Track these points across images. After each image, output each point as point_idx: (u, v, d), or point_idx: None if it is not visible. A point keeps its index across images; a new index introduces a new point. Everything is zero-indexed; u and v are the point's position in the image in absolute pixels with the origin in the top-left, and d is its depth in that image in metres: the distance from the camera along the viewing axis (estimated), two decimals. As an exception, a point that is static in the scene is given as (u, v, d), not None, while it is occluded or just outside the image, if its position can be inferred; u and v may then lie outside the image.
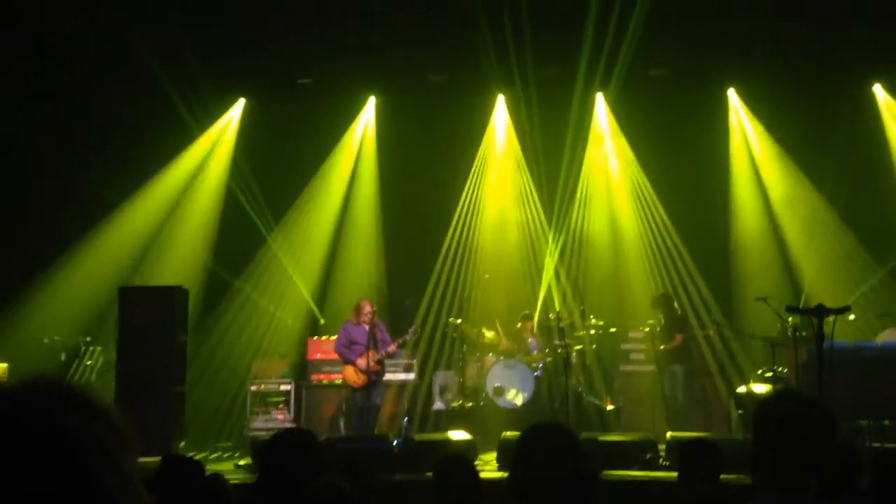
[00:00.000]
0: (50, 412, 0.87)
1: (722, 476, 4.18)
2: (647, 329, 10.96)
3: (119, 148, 11.50)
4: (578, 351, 11.01)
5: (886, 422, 8.82)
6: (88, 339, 10.68)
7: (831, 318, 4.30)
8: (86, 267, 11.28)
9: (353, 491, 3.50)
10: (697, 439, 4.41)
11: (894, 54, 10.91)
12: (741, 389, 10.01)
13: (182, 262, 11.82)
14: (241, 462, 9.50)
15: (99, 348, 10.69)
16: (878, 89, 12.03)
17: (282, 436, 3.40)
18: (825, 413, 2.41)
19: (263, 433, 9.97)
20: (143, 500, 0.90)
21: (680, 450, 4.31)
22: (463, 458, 4.14)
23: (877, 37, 10.50)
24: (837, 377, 7.49)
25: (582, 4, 10.66)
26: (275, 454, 3.23)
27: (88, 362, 10.59)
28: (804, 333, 8.49)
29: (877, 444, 8.14)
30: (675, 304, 10.90)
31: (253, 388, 10.76)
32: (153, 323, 9.01)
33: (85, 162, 11.20)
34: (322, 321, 11.94)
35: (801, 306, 8.51)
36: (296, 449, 3.25)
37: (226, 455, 9.81)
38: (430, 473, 8.45)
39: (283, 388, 10.80)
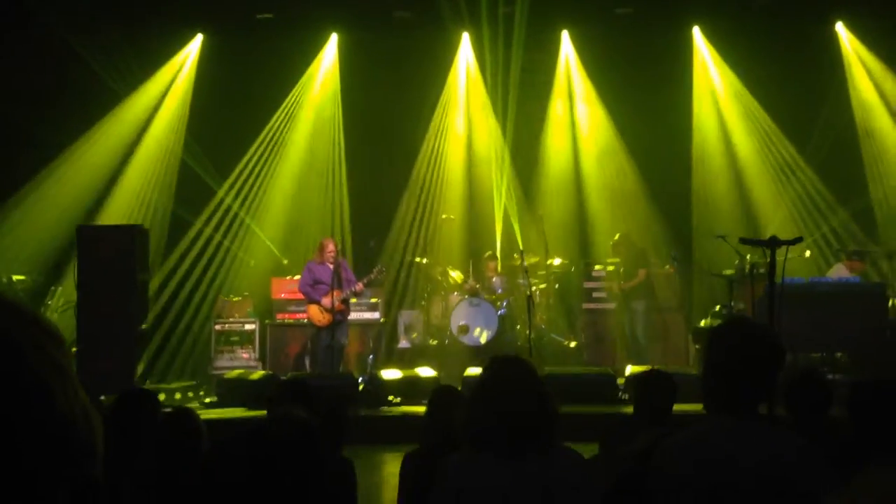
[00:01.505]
0: None
1: (676, 406, 4.28)
2: (611, 268, 11.10)
3: (74, 84, 11.17)
4: (542, 289, 11.13)
5: (839, 354, 9.11)
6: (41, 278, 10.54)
7: (784, 249, 4.39)
8: (43, 206, 11.06)
9: (321, 425, 3.57)
10: (649, 371, 4.51)
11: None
12: (699, 325, 10.24)
13: (142, 203, 11.65)
14: (207, 399, 9.56)
15: (60, 288, 10.57)
16: (840, 28, 12.08)
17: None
18: (773, 340, 2.48)
19: (228, 371, 10.02)
20: (82, 399, 0.90)
21: (633, 382, 4.41)
22: (456, 390, 4.16)
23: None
24: (792, 312, 7.68)
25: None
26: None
27: (49, 301, 10.47)
28: (761, 270, 8.67)
29: (830, 376, 8.41)
30: (635, 242, 11.02)
31: (217, 327, 10.75)
32: (113, 261, 8.88)
33: (39, 99, 10.89)
34: (285, 261, 11.89)
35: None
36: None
37: (190, 393, 9.83)
38: (393, 408, 8.61)
39: (247, 327, 10.81)
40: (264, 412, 4.38)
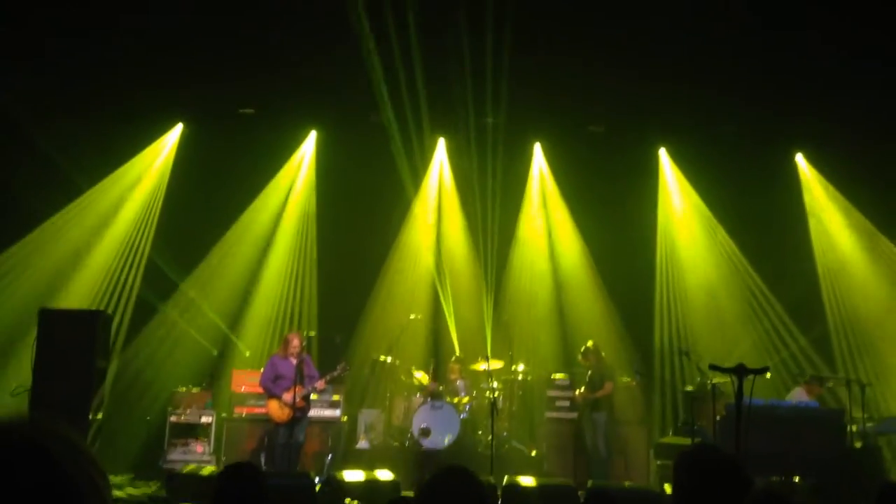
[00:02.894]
0: (48, 454, 0.90)
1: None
2: (574, 376, 11.13)
3: (44, 166, 11.19)
4: (505, 395, 11.09)
5: (796, 478, 9.14)
6: None
7: (751, 377, 4.50)
8: (6, 286, 10.89)
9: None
10: (595, 490, 4.55)
11: (815, 126, 11.50)
12: (661, 440, 10.25)
13: (108, 286, 11.53)
14: (156, 495, 9.23)
15: (11, 370, 10.28)
16: (799, 158, 12.67)
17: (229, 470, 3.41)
18: (741, 472, 2.54)
19: (180, 465, 9.71)
20: None
21: (585, 499, 4.42)
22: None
23: (800, 109, 11.09)
24: (753, 433, 7.76)
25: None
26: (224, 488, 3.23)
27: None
28: (722, 388, 8.78)
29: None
30: (603, 354, 11.12)
31: (173, 418, 10.48)
32: (72, 346, 8.72)
33: (7, 179, 10.89)
34: (248, 353, 11.75)
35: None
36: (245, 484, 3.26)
37: (137, 485, 9.49)
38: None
39: (203, 419, 10.55)
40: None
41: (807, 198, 12.52)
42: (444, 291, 12.32)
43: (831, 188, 12.38)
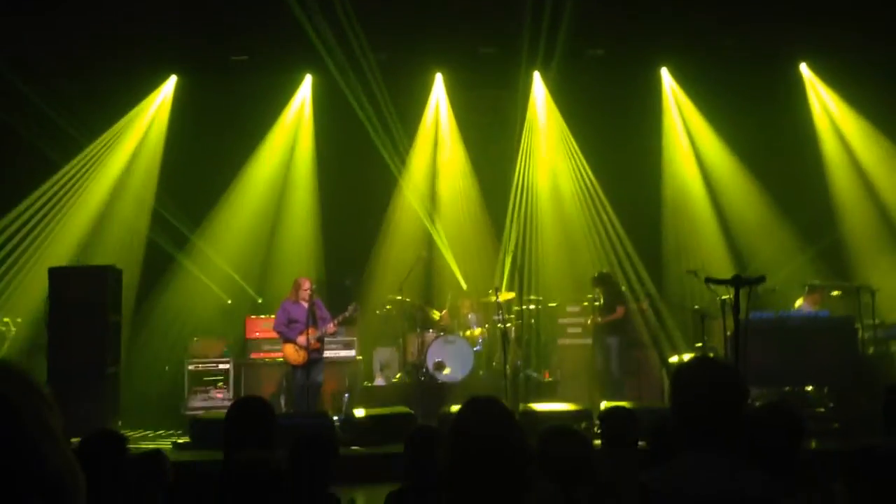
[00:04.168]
0: None
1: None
2: (585, 303, 11.20)
3: (44, 125, 11.16)
4: (518, 326, 11.18)
5: (809, 388, 9.22)
6: (18, 319, 10.40)
7: (747, 288, 4.49)
8: (17, 247, 10.98)
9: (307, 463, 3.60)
10: (612, 407, 4.61)
11: (818, 35, 11.24)
12: (673, 360, 10.33)
13: (120, 242, 11.60)
14: (180, 441, 9.44)
15: (13, 329, 10.42)
16: (803, 68, 12.42)
17: (237, 406, 3.50)
18: (734, 380, 2.55)
19: (201, 412, 9.91)
20: (69, 454, 0.97)
21: (599, 419, 4.49)
22: (434, 429, 4.13)
23: (803, 18, 10.81)
24: (763, 347, 7.81)
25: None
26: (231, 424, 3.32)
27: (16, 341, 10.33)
28: (732, 305, 8.79)
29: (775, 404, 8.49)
30: (614, 279, 11.16)
31: (191, 367, 10.66)
32: (85, 303, 8.82)
33: (13, 138, 10.87)
34: (260, 300, 11.85)
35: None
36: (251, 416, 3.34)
37: (164, 433, 9.72)
38: (369, 448, 8.55)
39: (221, 366, 10.73)
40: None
41: (813, 108, 12.31)
42: (438, 229, 12.31)
43: (836, 97, 12.16)
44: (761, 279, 4.86)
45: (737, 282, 4.49)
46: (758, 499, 2.40)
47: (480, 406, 2.80)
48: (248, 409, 3.59)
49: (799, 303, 10.20)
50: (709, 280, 5.32)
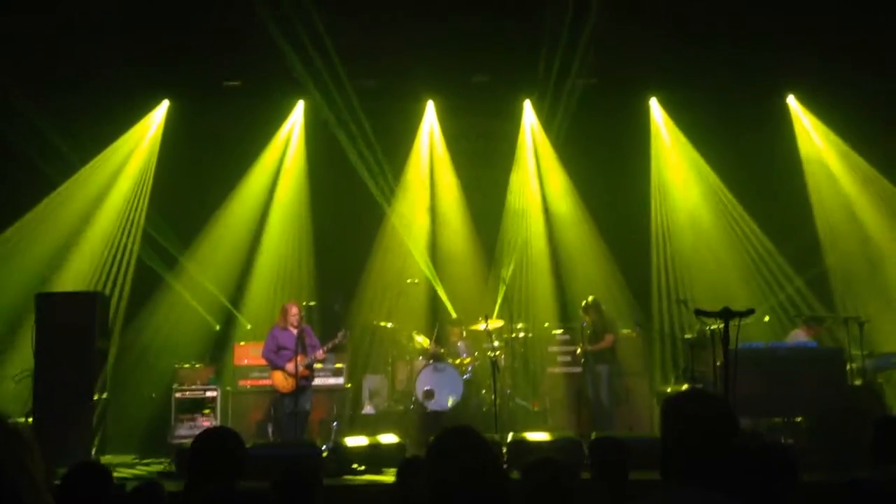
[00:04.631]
0: None
1: (644, 474, 4.35)
2: (574, 331, 11.18)
3: (36, 147, 11.14)
4: (506, 354, 11.15)
5: (798, 419, 9.20)
6: None
7: (737, 320, 4.51)
8: (1, 271, 10.91)
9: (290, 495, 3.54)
10: (602, 437, 4.60)
11: (806, 68, 11.37)
12: (663, 389, 10.32)
13: (103, 268, 11.53)
14: (165, 470, 9.33)
15: (16, 356, 10.34)
16: (791, 100, 12.56)
17: (202, 437, 3.41)
18: (726, 411, 2.54)
19: (188, 440, 9.80)
20: (48, 500, 0.95)
21: (589, 449, 4.47)
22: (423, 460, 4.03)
23: (791, 51, 10.95)
24: (752, 377, 7.80)
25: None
26: (195, 455, 3.25)
27: (6, 370, 10.23)
28: (722, 334, 8.81)
29: (791, 441, 8.50)
30: (604, 308, 11.16)
31: (178, 394, 10.56)
32: (72, 329, 8.76)
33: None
34: (249, 326, 11.80)
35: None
36: (216, 448, 3.27)
37: (149, 463, 9.60)
38: (357, 477, 8.47)
39: (208, 394, 10.63)
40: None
41: (800, 140, 12.44)
42: (427, 255, 12.33)
43: (824, 128, 12.29)
44: (750, 312, 4.89)
45: (726, 314, 4.51)
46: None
47: (455, 436, 2.79)
48: (214, 440, 3.47)
49: (793, 333, 10.22)
50: (699, 312, 5.34)
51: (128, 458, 9.75)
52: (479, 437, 2.80)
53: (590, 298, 11.04)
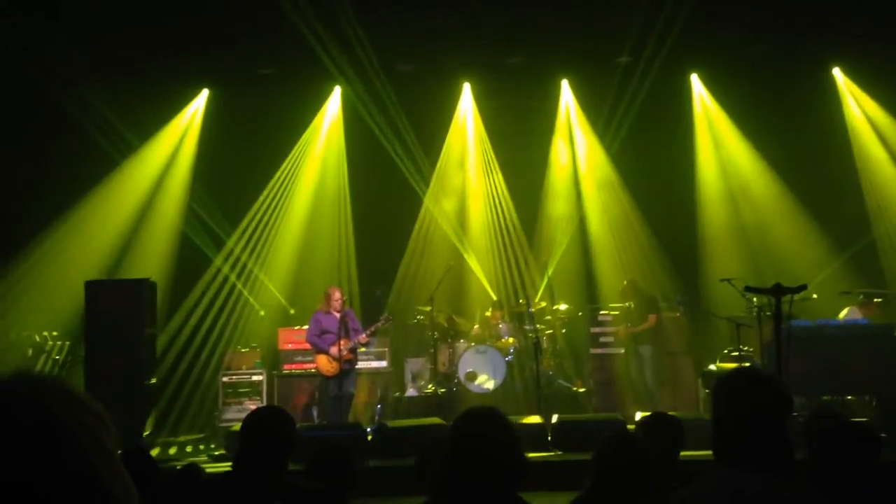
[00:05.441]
0: (40, 402, 0.91)
1: (690, 453, 4.29)
2: (615, 312, 11.11)
3: (83, 142, 11.33)
4: (549, 335, 11.12)
5: (849, 397, 9.04)
6: (55, 333, 10.57)
7: (789, 297, 4.42)
8: (53, 261, 11.14)
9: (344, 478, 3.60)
10: (654, 414, 4.51)
11: (852, 39, 11.08)
12: (708, 369, 10.20)
13: (152, 256, 11.73)
14: (216, 452, 9.52)
15: (68, 343, 10.59)
16: (837, 73, 12.24)
17: (255, 415, 3.52)
18: (779, 389, 2.48)
19: (236, 424, 9.97)
20: (125, 477, 0.95)
21: (639, 427, 4.39)
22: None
23: (836, 21, 10.67)
24: (801, 355, 7.66)
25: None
26: (248, 432, 3.34)
27: (57, 357, 10.48)
28: (768, 313, 8.66)
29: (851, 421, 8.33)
30: (643, 287, 11.05)
31: (224, 379, 10.74)
32: (121, 316, 8.93)
33: (46, 156, 11.07)
34: (292, 311, 11.92)
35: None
36: (269, 426, 3.36)
37: (201, 447, 9.80)
38: (403, 459, 8.53)
39: (254, 378, 10.79)
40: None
41: (846, 112, 12.12)
42: (468, 238, 12.31)
43: (870, 100, 11.96)
44: (802, 287, 4.78)
45: (778, 291, 4.41)
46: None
47: (476, 416, 2.79)
48: (267, 418, 3.54)
49: (845, 312, 9.99)
50: (749, 289, 5.23)
51: (178, 442, 9.94)
52: (501, 418, 2.79)
53: (626, 281, 10.94)
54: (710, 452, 2.60)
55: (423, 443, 3.91)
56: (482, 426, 2.72)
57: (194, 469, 4.03)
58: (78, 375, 8.84)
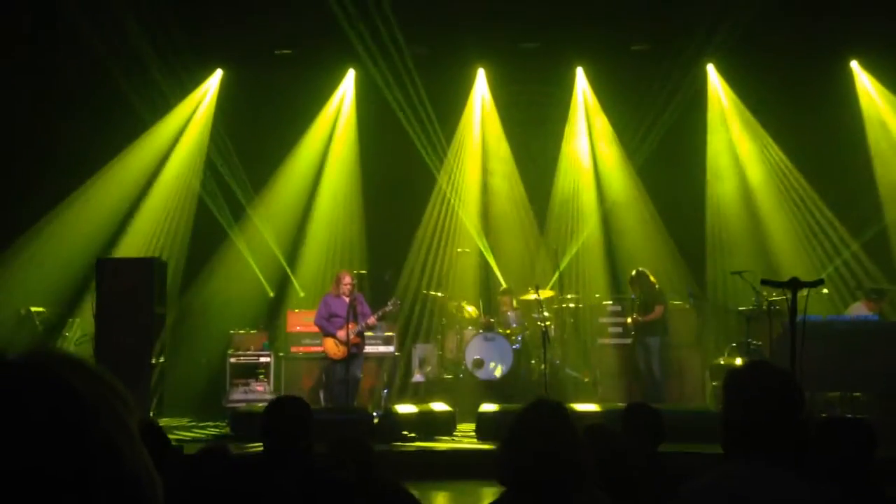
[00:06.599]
0: (59, 378, 0.89)
1: (698, 447, 4.30)
2: (625, 302, 11.07)
3: (94, 117, 11.35)
4: (557, 324, 11.10)
5: (858, 394, 8.99)
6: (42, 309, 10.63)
7: (805, 291, 4.38)
8: (63, 237, 11.18)
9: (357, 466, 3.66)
10: (633, 403, 4.53)
11: (870, 31, 10.95)
12: (716, 361, 10.17)
13: (160, 235, 11.75)
14: (221, 432, 9.55)
15: (77, 319, 10.64)
16: (854, 66, 12.11)
17: (277, 403, 3.67)
18: (793, 384, 2.46)
19: (242, 405, 10.01)
20: (146, 457, 0.93)
21: (623, 416, 4.35)
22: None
23: (853, 15, 10.55)
24: (810, 350, 7.61)
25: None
26: (273, 420, 3.48)
27: (67, 333, 10.54)
28: (778, 307, 8.63)
29: (849, 416, 8.30)
30: (652, 278, 11.00)
31: (232, 359, 10.77)
32: (131, 294, 8.97)
33: (57, 131, 11.08)
34: (302, 294, 11.93)
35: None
36: (292, 415, 3.52)
37: (206, 426, 9.85)
38: (407, 444, 8.56)
39: (262, 359, 10.82)
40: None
41: (864, 104, 11.99)
42: (478, 225, 12.27)
43: (888, 93, 11.83)
44: (820, 282, 4.73)
45: (794, 284, 4.36)
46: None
47: (543, 408, 2.76)
48: (289, 407, 3.71)
49: (854, 306, 9.94)
50: (765, 282, 5.17)
51: (184, 421, 10.00)
52: (566, 412, 2.77)
53: (633, 272, 10.90)
54: (717, 447, 2.58)
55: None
56: (552, 423, 2.69)
57: (222, 447, 4.05)
58: (87, 352, 8.88)
